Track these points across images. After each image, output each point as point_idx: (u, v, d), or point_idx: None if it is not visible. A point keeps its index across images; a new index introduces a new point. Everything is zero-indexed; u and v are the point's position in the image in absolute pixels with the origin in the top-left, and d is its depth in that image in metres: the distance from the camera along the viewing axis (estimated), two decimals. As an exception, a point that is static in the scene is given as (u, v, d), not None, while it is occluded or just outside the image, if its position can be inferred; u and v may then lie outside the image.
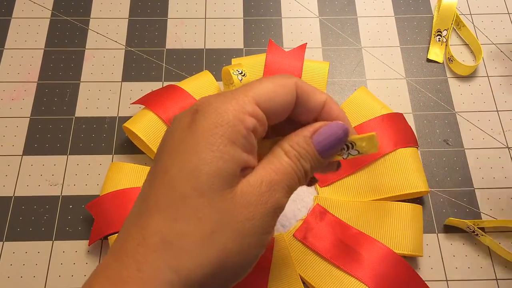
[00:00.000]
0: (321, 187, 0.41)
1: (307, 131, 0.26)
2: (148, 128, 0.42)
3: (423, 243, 0.40)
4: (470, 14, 0.52)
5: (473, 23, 0.52)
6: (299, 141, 0.26)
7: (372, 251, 0.38)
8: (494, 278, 0.39)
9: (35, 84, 0.47)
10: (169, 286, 0.21)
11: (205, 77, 0.46)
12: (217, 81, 0.46)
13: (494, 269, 0.39)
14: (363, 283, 0.37)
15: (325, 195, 0.41)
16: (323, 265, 0.38)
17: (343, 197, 0.41)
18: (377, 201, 0.40)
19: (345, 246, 0.38)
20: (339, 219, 0.39)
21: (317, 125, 0.26)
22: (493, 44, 0.50)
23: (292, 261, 0.38)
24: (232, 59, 0.47)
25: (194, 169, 0.22)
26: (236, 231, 0.23)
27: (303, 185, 0.27)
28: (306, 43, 0.48)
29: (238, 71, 0.43)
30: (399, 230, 0.39)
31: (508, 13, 0.52)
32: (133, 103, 0.45)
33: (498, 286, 0.39)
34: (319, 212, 0.40)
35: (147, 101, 0.44)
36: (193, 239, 0.22)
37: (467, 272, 0.39)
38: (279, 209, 0.25)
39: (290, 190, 0.25)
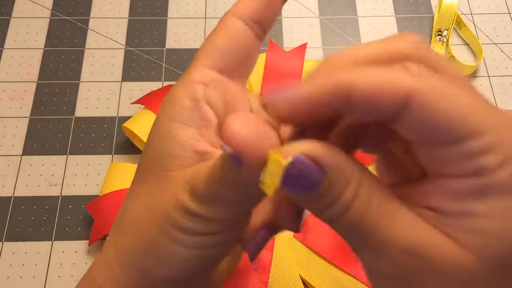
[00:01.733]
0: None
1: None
2: (148, 128, 0.41)
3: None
4: (471, 13, 0.52)
5: (473, 23, 0.52)
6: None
7: (372, 252, 0.38)
8: (495, 278, 0.39)
9: (35, 84, 0.47)
10: (112, 257, 0.22)
11: (205, 77, 0.46)
12: (217, 81, 0.46)
13: (494, 269, 0.39)
14: (363, 283, 0.37)
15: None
16: (323, 266, 0.38)
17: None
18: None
19: (345, 247, 0.38)
20: (339, 219, 0.39)
21: None
22: (494, 44, 0.50)
23: (292, 261, 0.38)
24: (232, 59, 0.47)
25: (144, 153, 0.23)
26: (155, 219, 0.20)
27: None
28: (307, 43, 0.48)
29: (238, 71, 0.43)
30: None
31: (509, 13, 0.52)
32: (133, 103, 0.45)
33: (499, 287, 0.39)
34: (320, 212, 0.40)
35: (147, 101, 0.44)
36: (128, 217, 0.22)
37: (467, 272, 0.39)
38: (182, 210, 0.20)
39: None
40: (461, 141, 0.16)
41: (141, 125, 0.42)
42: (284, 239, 0.39)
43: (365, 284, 0.37)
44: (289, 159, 0.16)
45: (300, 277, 0.38)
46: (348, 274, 0.37)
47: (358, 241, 0.18)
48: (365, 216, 0.17)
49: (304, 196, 0.17)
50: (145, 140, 0.41)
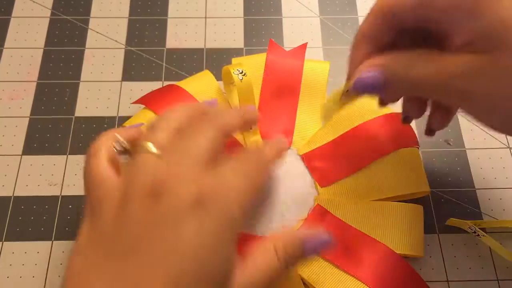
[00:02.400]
0: (321, 187, 0.41)
1: (302, 234, 0.30)
2: (148, 128, 0.42)
3: (424, 243, 0.39)
4: (471, 13, 0.52)
5: (474, 22, 0.51)
6: (294, 243, 0.28)
7: (372, 252, 0.38)
8: (495, 279, 0.39)
9: (35, 83, 0.47)
10: None
11: (206, 77, 0.46)
12: (217, 80, 0.46)
13: (495, 269, 0.39)
14: (363, 283, 0.37)
15: (326, 195, 0.41)
16: (323, 266, 0.38)
17: (343, 197, 0.41)
18: (377, 201, 0.40)
19: (345, 247, 0.38)
20: (339, 219, 0.39)
21: (309, 232, 0.30)
22: (494, 43, 0.50)
23: (293, 262, 0.38)
24: (233, 59, 0.47)
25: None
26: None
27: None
28: (307, 42, 0.48)
29: (239, 71, 0.43)
30: (399, 230, 0.39)
31: (510, 13, 0.52)
32: (133, 103, 0.45)
33: (499, 287, 0.39)
34: (320, 212, 0.40)
35: (147, 101, 0.44)
36: None
37: (468, 272, 0.39)
38: None
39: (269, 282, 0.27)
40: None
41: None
42: (284, 239, 0.39)
43: (366, 284, 0.37)
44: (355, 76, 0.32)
45: (300, 277, 0.38)
46: (349, 274, 0.37)
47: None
48: None
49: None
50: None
